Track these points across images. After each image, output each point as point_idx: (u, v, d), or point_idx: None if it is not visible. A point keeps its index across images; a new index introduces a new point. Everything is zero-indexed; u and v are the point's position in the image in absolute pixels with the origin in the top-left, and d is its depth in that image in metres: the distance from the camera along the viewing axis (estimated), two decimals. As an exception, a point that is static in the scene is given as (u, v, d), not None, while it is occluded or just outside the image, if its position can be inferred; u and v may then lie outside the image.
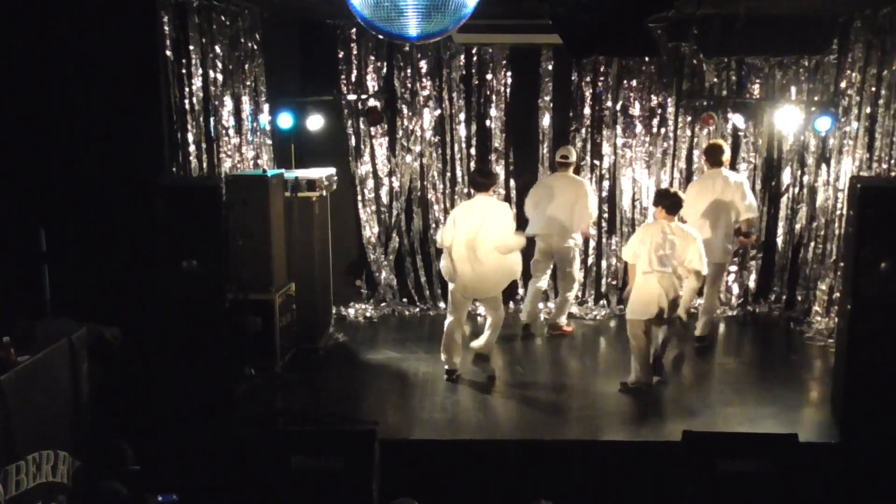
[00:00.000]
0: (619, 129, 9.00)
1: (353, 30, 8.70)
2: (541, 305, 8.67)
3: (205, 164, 7.01)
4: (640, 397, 6.86)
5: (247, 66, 7.75)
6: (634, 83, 8.89)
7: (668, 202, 6.89)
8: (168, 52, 6.36)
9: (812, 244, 8.72)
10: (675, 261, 6.76)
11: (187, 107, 6.70)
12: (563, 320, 8.43)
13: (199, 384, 5.92)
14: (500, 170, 9.03)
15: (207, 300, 5.88)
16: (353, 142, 9.04)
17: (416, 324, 8.93)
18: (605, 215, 9.11)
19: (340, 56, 8.86)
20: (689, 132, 9.00)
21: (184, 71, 6.65)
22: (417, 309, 9.19)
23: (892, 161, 7.43)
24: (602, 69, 8.87)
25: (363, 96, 8.85)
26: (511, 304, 9.04)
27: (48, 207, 6.16)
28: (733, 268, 9.15)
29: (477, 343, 7.44)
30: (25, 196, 6.10)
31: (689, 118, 8.96)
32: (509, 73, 8.91)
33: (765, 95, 8.81)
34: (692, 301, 8.13)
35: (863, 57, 7.83)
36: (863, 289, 5.91)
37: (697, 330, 8.19)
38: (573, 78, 8.92)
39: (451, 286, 7.16)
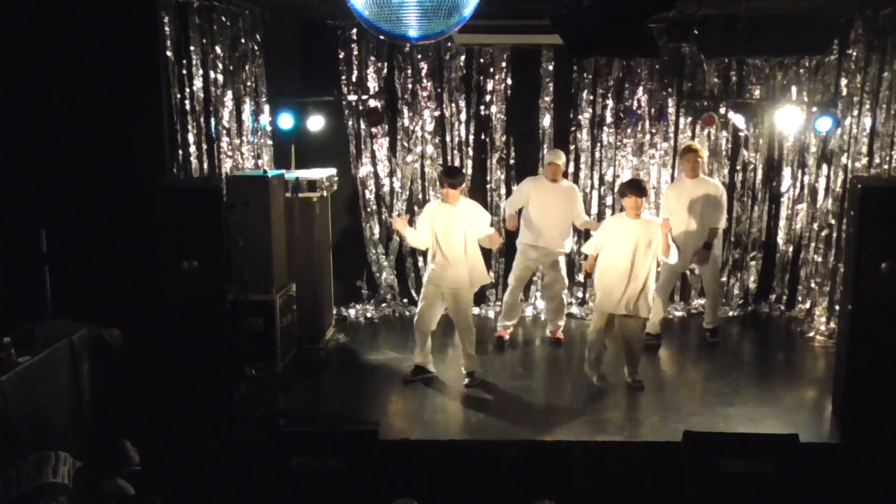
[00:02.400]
0: (619, 129, 9.00)
1: (354, 30, 8.70)
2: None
3: (205, 165, 7.01)
4: (640, 397, 6.87)
5: (247, 67, 7.76)
6: (635, 83, 8.89)
7: (637, 188, 6.90)
8: (169, 53, 6.36)
9: (812, 244, 8.72)
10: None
11: (188, 107, 6.71)
12: (561, 322, 8.37)
13: (200, 385, 5.93)
14: (500, 170, 9.04)
15: (208, 301, 5.89)
16: (353, 142, 9.04)
17: (416, 324, 8.92)
18: (607, 216, 9.10)
19: (341, 56, 8.86)
20: (689, 132, 9.00)
21: (184, 71, 6.66)
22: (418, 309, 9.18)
23: (893, 161, 7.42)
24: (603, 70, 8.87)
25: (364, 97, 8.85)
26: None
27: (49, 208, 6.17)
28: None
29: (463, 366, 7.26)
30: (26, 197, 6.11)
31: (689, 118, 8.96)
32: (510, 74, 8.91)
33: (765, 96, 8.82)
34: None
35: (863, 57, 7.83)
36: (863, 289, 5.91)
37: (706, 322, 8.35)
38: (574, 78, 8.92)
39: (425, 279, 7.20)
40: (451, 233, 6.95)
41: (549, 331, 8.35)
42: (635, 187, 6.91)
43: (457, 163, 9.05)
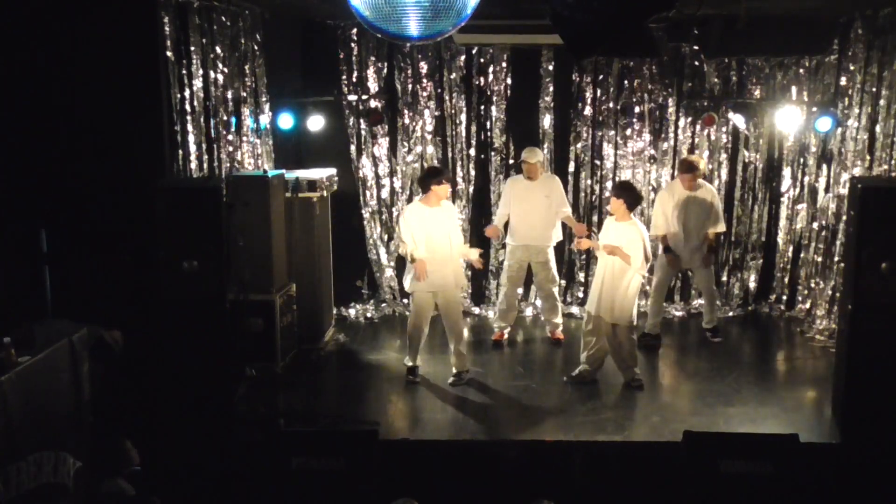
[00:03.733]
0: (619, 129, 9.00)
1: (354, 30, 8.70)
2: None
3: (205, 165, 7.01)
4: (640, 397, 6.87)
5: (247, 67, 7.75)
6: (635, 83, 8.89)
7: (632, 196, 6.93)
8: (169, 53, 6.36)
9: (812, 244, 8.72)
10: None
11: (188, 107, 6.70)
12: (558, 321, 8.32)
13: (200, 385, 5.93)
14: (500, 170, 9.04)
15: (208, 301, 5.88)
16: (353, 142, 9.04)
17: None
18: (606, 216, 9.11)
19: (341, 56, 8.86)
20: (689, 132, 9.00)
21: (184, 72, 6.65)
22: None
23: (893, 161, 7.43)
24: (603, 69, 8.87)
25: (364, 97, 8.85)
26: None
27: (49, 208, 6.16)
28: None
29: (454, 364, 7.24)
30: (26, 197, 6.11)
31: (689, 118, 8.96)
32: (509, 74, 8.91)
33: (765, 96, 8.82)
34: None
35: (863, 57, 7.83)
36: (863, 289, 5.90)
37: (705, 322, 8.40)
38: (574, 78, 8.91)
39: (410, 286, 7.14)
40: (437, 235, 6.97)
41: (549, 331, 8.34)
42: (614, 188, 7.07)
43: (457, 163, 9.06)
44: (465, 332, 7.56)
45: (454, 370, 7.19)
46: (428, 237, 6.96)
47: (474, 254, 7.17)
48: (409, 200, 9.06)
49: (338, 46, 8.84)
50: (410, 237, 6.95)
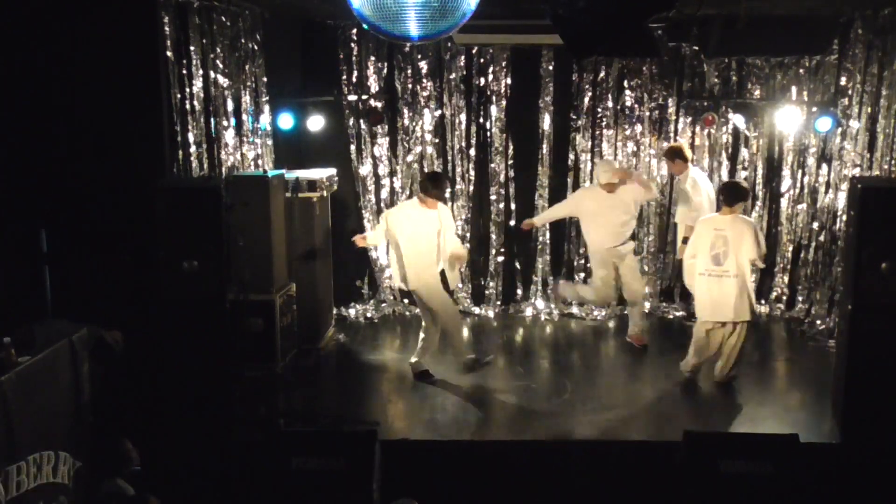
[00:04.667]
0: (619, 129, 8.99)
1: (354, 30, 8.70)
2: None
3: (205, 165, 7.01)
4: (641, 397, 6.87)
5: (247, 67, 7.75)
6: (635, 83, 8.89)
7: (726, 192, 6.90)
8: (169, 53, 6.36)
9: (812, 244, 8.72)
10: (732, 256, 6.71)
11: (188, 107, 6.71)
12: (639, 329, 8.02)
13: (200, 385, 5.92)
14: (500, 170, 9.04)
15: (208, 301, 5.88)
16: (353, 142, 9.04)
17: (416, 324, 8.83)
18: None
19: (341, 57, 8.86)
20: (689, 132, 8.99)
21: (185, 72, 6.66)
22: (418, 309, 9.16)
23: (893, 161, 7.43)
24: (602, 69, 8.87)
25: (364, 97, 8.85)
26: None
27: (49, 208, 6.17)
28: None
29: (414, 358, 7.27)
30: (27, 197, 6.11)
31: (689, 118, 8.96)
32: (509, 74, 8.91)
33: (765, 96, 8.82)
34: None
35: (863, 57, 7.83)
36: (863, 289, 5.90)
37: None
38: (573, 78, 8.91)
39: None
40: (427, 236, 6.99)
41: (630, 336, 8.03)
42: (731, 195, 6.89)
43: (457, 163, 9.06)
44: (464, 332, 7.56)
45: (417, 363, 7.21)
46: (414, 235, 6.97)
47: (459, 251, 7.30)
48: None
49: (338, 46, 8.84)
50: (382, 233, 7.14)
